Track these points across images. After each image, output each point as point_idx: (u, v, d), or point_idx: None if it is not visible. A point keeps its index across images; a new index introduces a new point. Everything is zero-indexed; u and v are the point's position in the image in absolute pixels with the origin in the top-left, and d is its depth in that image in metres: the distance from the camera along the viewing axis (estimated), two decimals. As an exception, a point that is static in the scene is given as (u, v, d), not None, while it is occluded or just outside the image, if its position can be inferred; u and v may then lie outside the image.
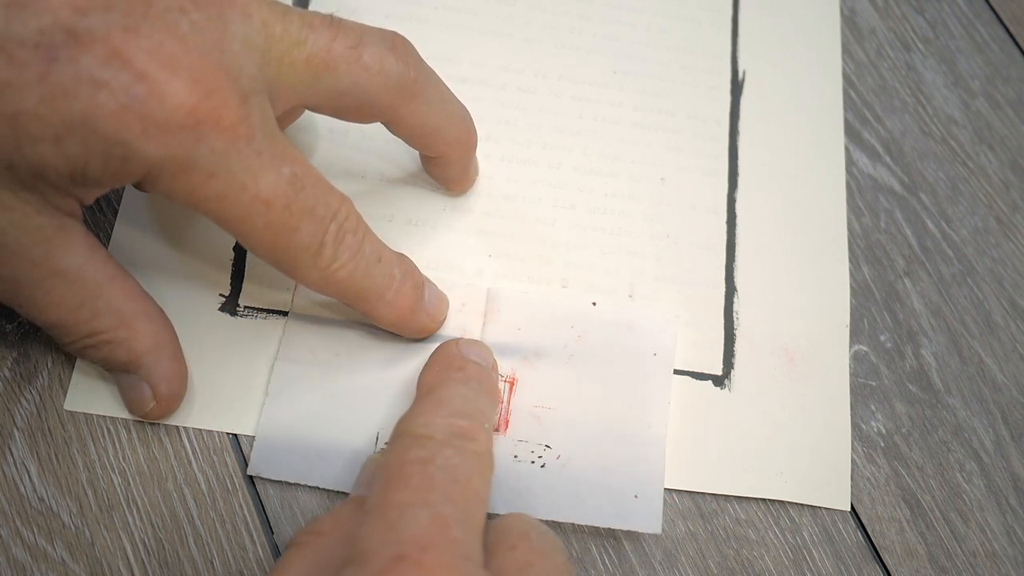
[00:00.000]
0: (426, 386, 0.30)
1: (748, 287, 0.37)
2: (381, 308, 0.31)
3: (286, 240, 0.28)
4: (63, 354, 0.33)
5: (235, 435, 0.33)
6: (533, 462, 0.32)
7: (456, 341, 0.32)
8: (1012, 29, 0.43)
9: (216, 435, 0.33)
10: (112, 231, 0.35)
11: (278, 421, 0.32)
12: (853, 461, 0.34)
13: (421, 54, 0.31)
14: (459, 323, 0.34)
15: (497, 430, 0.33)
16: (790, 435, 0.34)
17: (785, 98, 0.40)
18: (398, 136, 0.33)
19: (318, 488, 0.32)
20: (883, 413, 0.35)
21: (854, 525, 0.34)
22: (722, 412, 0.34)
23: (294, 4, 0.39)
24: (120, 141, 0.25)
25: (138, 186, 0.27)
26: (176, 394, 0.32)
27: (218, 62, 0.26)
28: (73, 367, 0.33)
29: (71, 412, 0.32)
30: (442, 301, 0.33)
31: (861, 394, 0.36)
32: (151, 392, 0.31)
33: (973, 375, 0.36)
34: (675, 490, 0.33)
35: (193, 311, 0.34)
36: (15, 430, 0.32)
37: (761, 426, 0.34)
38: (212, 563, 0.31)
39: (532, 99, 0.39)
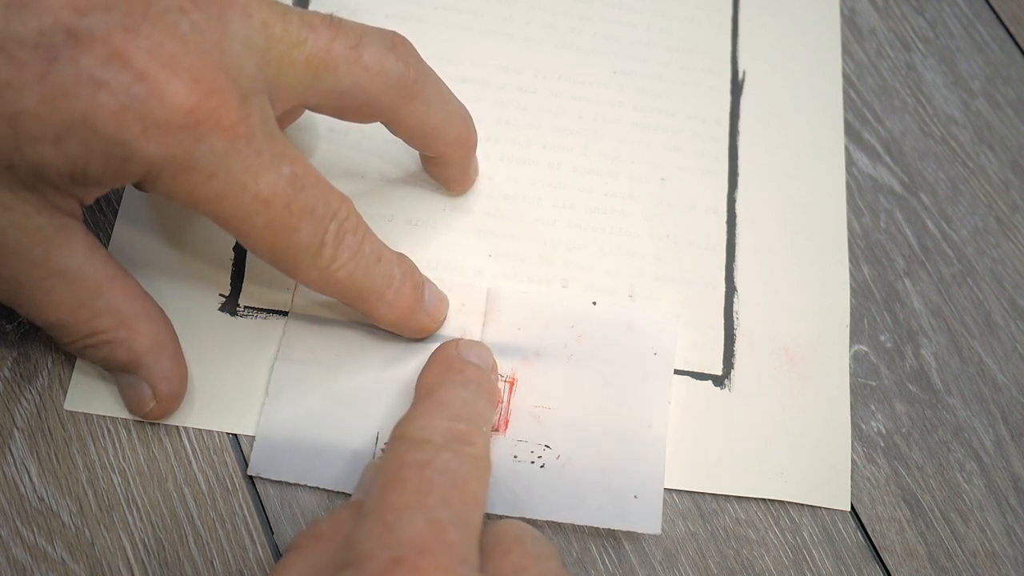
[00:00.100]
0: (425, 388, 0.30)
1: (748, 287, 0.37)
2: (381, 308, 0.31)
3: (286, 240, 0.28)
4: (63, 354, 0.33)
5: (235, 435, 0.33)
6: (533, 462, 0.32)
7: (455, 342, 0.32)
8: (1012, 29, 0.43)
9: (216, 435, 0.33)
10: (112, 231, 0.35)
11: (278, 421, 0.32)
12: (853, 461, 0.34)
13: (421, 54, 0.31)
14: (459, 323, 0.34)
15: (497, 430, 0.33)
16: (790, 435, 0.34)
17: (785, 98, 0.40)
18: (398, 136, 0.33)
19: (318, 488, 0.32)
20: (883, 413, 0.35)
21: (854, 525, 0.34)
22: (722, 412, 0.34)
23: (294, 4, 0.39)
24: (120, 141, 0.25)
25: (138, 186, 0.27)
26: (176, 394, 0.32)
27: (218, 62, 0.26)
28: (73, 367, 0.33)
29: (71, 412, 0.32)
30: (442, 301, 0.33)
31: (861, 394, 0.36)
32: (151, 392, 0.31)
33: (973, 375, 0.36)
34: (675, 490, 0.33)
35: (193, 311, 0.34)
36: (15, 430, 0.32)
37: (761, 426, 0.34)
38: (212, 563, 0.31)
39: (532, 99, 0.39)
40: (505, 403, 0.33)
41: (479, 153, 0.36)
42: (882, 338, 0.37)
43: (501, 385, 0.33)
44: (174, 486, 0.32)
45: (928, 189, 0.40)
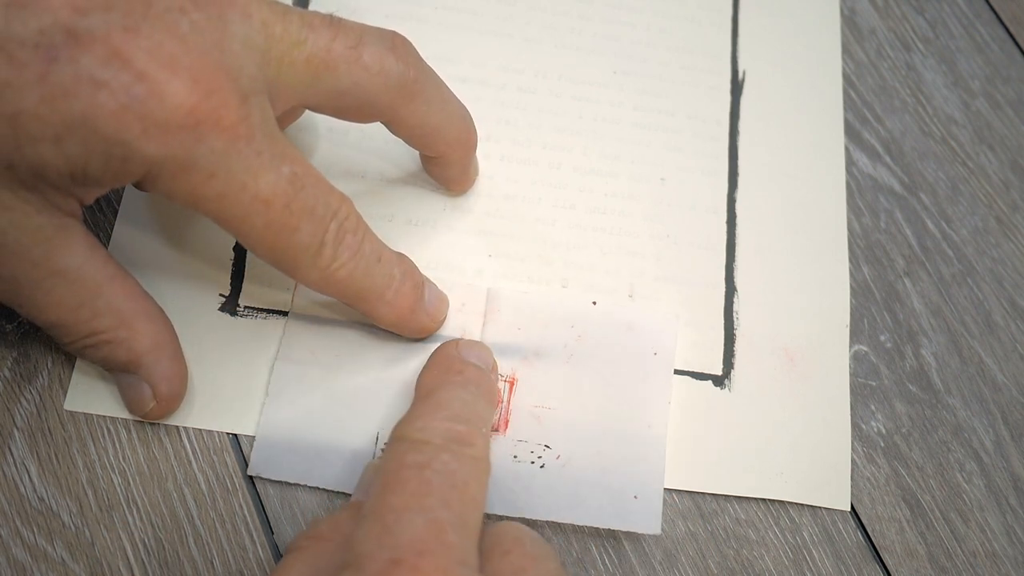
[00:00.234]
0: (424, 388, 0.30)
1: (748, 287, 0.37)
2: (381, 308, 0.31)
3: (286, 240, 0.28)
4: (63, 354, 0.33)
5: (235, 435, 0.33)
6: (533, 462, 0.32)
7: (455, 342, 0.32)
8: (1012, 29, 0.43)
9: (216, 435, 0.33)
10: (112, 231, 0.35)
11: (278, 421, 0.32)
12: (853, 461, 0.34)
13: (421, 54, 0.31)
14: (459, 323, 0.34)
15: (497, 430, 0.33)
16: (790, 435, 0.34)
17: (785, 98, 0.40)
18: (398, 136, 0.33)
19: (318, 488, 0.32)
20: (883, 413, 0.35)
21: (854, 525, 0.34)
22: (722, 412, 0.34)
23: (294, 4, 0.39)
24: (120, 141, 0.25)
25: (138, 186, 0.27)
26: (176, 394, 0.32)
27: (218, 62, 0.26)
28: (73, 367, 0.33)
29: (71, 412, 0.32)
30: (442, 301, 0.33)
31: (861, 394, 0.36)
32: (151, 392, 0.31)
33: (973, 375, 0.36)
34: (675, 490, 0.33)
35: (193, 311, 0.34)
36: (15, 430, 0.32)
37: (761, 426, 0.34)
38: (212, 563, 0.31)
39: (532, 99, 0.39)
40: (505, 403, 0.33)
41: (479, 153, 0.36)
42: (882, 338, 0.37)
43: (501, 385, 0.33)
44: (174, 486, 0.32)
45: (928, 189, 0.40)
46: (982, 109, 0.41)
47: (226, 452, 0.32)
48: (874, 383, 0.36)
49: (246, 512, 0.32)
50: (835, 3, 0.43)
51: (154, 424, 0.32)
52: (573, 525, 0.32)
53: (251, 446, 0.32)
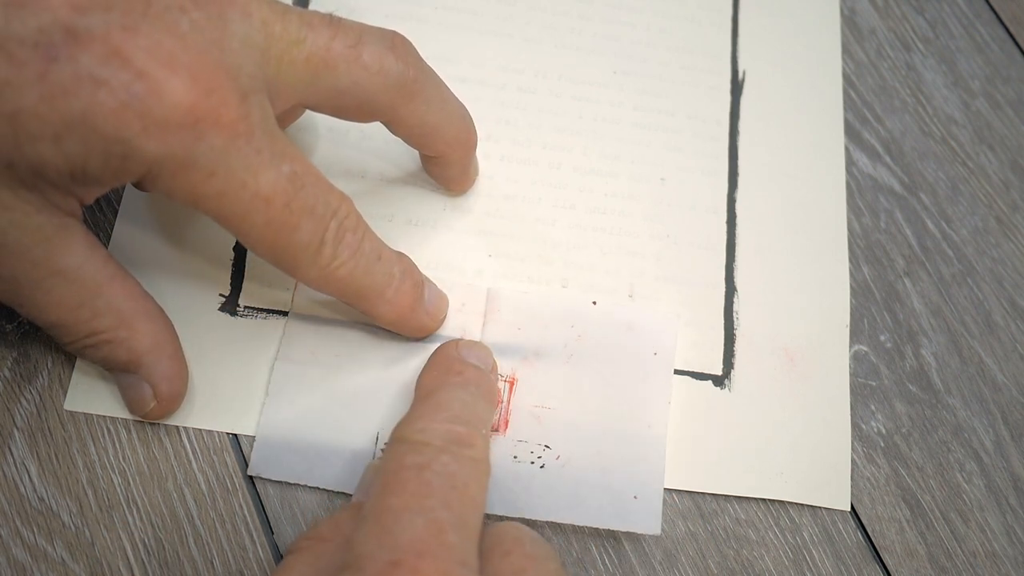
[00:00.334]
0: (424, 389, 0.30)
1: (748, 287, 0.37)
2: (381, 306, 0.31)
3: (286, 238, 0.28)
4: (63, 354, 0.33)
5: (235, 435, 0.33)
6: (532, 463, 0.32)
7: (455, 343, 0.32)
8: (1012, 29, 0.43)
9: (216, 435, 0.33)
10: (112, 231, 0.35)
11: (278, 421, 0.32)
12: (853, 461, 0.34)
13: (421, 54, 0.31)
14: (459, 323, 0.34)
15: (496, 430, 0.33)
16: (790, 435, 0.34)
17: (785, 98, 0.40)
18: (398, 136, 0.33)
19: (318, 488, 0.32)
20: (883, 413, 0.35)
21: (854, 525, 0.34)
22: (722, 412, 0.34)
23: (294, 3, 0.39)
24: (120, 139, 0.25)
25: (138, 185, 0.27)
26: (176, 394, 0.32)
27: (217, 60, 0.26)
28: (73, 367, 0.33)
29: (71, 412, 0.32)
30: (442, 300, 0.33)
31: (861, 394, 0.36)
32: (151, 392, 0.31)
33: (973, 375, 0.36)
34: (675, 490, 0.33)
35: (193, 311, 0.34)
36: (15, 430, 0.32)
37: (761, 426, 0.34)
38: (212, 563, 0.31)
39: (532, 99, 0.39)
40: (505, 403, 0.33)
41: (479, 153, 0.36)
42: (882, 338, 0.37)
43: (501, 385, 0.33)
44: (174, 486, 0.32)
45: (928, 189, 0.40)
46: (982, 109, 0.41)
47: (226, 452, 0.32)
48: (874, 383, 0.36)
49: (246, 512, 0.32)
50: (835, 3, 0.43)
51: (154, 424, 0.32)
52: (573, 525, 0.32)
53: (251, 446, 0.32)
